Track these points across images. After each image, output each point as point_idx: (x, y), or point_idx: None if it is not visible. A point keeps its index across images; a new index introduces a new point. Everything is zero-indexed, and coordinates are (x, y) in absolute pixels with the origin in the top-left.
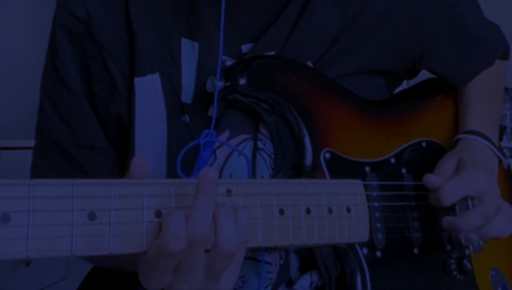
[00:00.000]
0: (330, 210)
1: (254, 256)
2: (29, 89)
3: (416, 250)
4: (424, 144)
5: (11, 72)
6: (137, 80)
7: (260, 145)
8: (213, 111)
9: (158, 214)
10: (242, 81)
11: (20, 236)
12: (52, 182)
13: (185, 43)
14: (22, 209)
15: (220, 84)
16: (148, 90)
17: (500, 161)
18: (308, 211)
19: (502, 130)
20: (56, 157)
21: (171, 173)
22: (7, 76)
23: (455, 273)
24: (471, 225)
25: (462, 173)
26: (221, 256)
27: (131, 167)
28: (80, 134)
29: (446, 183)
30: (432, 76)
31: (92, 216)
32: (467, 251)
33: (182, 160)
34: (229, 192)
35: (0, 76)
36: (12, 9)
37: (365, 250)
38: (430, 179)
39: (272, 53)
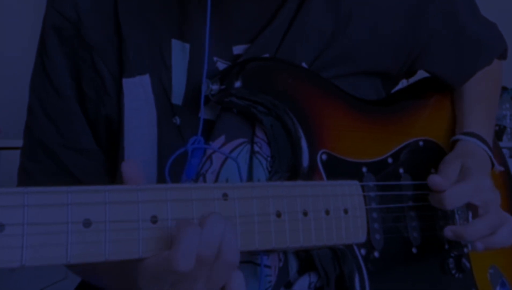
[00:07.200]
0: (327, 212)
1: (252, 260)
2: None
3: (414, 250)
4: (421, 143)
5: (11, 73)
6: (125, 81)
7: (256, 148)
8: (205, 113)
9: (154, 219)
10: (238, 84)
11: (14, 244)
12: (46, 190)
13: (175, 44)
14: (17, 217)
15: (214, 87)
16: (137, 91)
17: (492, 166)
18: (305, 213)
19: (502, 130)
20: (43, 158)
21: (161, 176)
22: (7, 77)
23: (453, 271)
24: (476, 234)
25: (469, 180)
26: (224, 268)
27: (122, 172)
28: (68, 135)
29: (452, 187)
30: (428, 75)
31: (87, 223)
32: (465, 250)
33: (172, 164)
34: (225, 196)
35: (0, 77)
36: (12, 10)
37: (363, 251)
38: (436, 180)
39: (267, 55)
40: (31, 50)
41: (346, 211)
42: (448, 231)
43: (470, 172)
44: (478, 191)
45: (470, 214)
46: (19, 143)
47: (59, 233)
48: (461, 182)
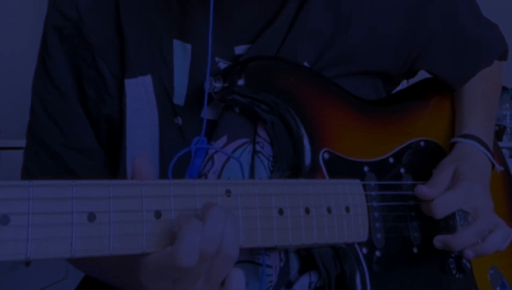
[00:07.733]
0: (329, 210)
1: (253, 260)
2: (29, 90)
3: (415, 249)
4: (422, 143)
5: (11, 73)
6: (127, 81)
7: (258, 148)
8: (207, 113)
9: (158, 215)
10: (240, 82)
11: (19, 237)
12: (52, 183)
13: (177, 44)
14: (22, 210)
15: (217, 84)
16: (139, 91)
17: (493, 167)
18: (307, 211)
19: (502, 130)
20: (45, 158)
21: (163, 176)
22: (7, 77)
23: (454, 272)
24: (464, 243)
25: (459, 187)
26: (224, 262)
27: (133, 166)
28: (70, 136)
29: (440, 196)
30: (429, 76)
31: (91, 217)
32: None
33: (175, 164)
34: (228, 192)
35: (0, 76)
36: (12, 10)
37: (364, 250)
38: (422, 191)
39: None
40: (31, 50)
41: (347, 210)
42: (437, 241)
43: (463, 177)
44: (468, 198)
45: None
46: (19, 143)
47: (64, 226)
48: (451, 190)
